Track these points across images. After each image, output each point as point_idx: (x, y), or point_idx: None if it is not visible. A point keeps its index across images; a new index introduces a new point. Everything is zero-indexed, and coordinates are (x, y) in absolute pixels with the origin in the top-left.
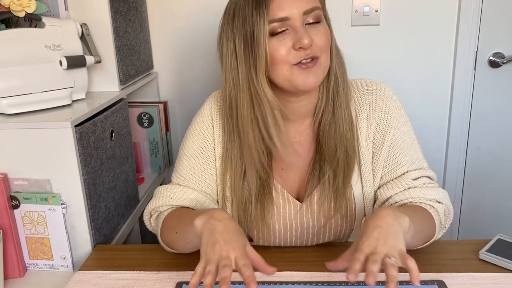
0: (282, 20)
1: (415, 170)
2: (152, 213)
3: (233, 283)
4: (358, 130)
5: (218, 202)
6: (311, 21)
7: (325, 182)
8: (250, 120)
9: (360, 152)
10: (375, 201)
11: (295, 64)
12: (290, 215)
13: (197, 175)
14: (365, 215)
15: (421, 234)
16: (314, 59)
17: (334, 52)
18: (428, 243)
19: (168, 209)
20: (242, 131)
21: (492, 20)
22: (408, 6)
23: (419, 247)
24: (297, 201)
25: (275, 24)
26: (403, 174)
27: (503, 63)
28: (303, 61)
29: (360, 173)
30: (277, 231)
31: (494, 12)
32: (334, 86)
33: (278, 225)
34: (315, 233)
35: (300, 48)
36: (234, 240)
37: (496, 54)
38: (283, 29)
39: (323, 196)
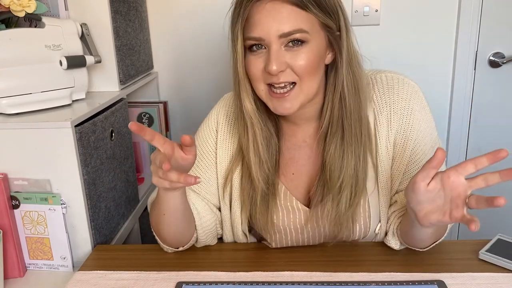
0: (256, 39)
1: None
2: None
3: (232, 283)
4: (378, 135)
5: (220, 205)
6: (290, 44)
7: (327, 204)
8: (240, 125)
9: (378, 160)
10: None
11: (269, 88)
12: (300, 221)
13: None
14: (379, 222)
15: (437, 232)
16: (292, 84)
17: (343, 63)
18: (436, 243)
19: None
20: (243, 142)
21: (492, 20)
22: (408, 6)
23: (428, 247)
24: (307, 208)
25: (250, 42)
26: None
27: (503, 63)
28: (276, 90)
29: (377, 181)
30: (289, 234)
31: (494, 12)
32: (342, 101)
33: (289, 229)
34: (327, 236)
35: (268, 72)
36: None
37: (496, 54)
38: (261, 46)
39: (327, 215)
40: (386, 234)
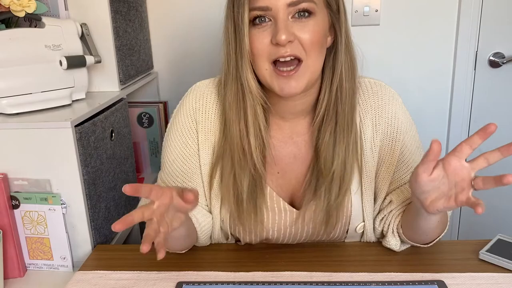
0: (263, 9)
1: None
2: None
3: (232, 283)
4: (363, 137)
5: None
6: (297, 15)
7: (321, 195)
8: (236, 112)
9: (363, 160)
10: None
11: (274, 66)
12: (286, 222)
13: (181, 183)
14: (363, 221)
15: (442, 220)
16: (297, 60)
17: (343, 46)
18: (439, 238)
19: None
20: (228, 122)
21: (492, 20)
22: (408, 6)
23: (432, 243)
24: (294, 209)
25: (256, 12)
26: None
27: (503, 63)
28: (283, 68)
29: (361, 181)
30: (271, 235)
31: (494, 12)
32: (339, 87)
33: (272, 231)
34: (308, 237)
35: (277, 43)
36: None
37: (496, 54)
38: (265, 19)
39: (318, 208)
40: (384, 235)
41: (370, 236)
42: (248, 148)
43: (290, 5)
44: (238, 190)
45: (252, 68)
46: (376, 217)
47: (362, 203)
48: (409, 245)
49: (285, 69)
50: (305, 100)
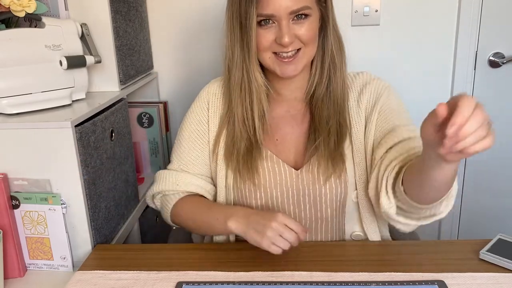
0: (269, 16)
1: (407, 125)
2: (155, 195)
3: (232, 283)
4: (350, 103)
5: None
6: (296, 18)
7: (320, 146)
8: (239, 95)
9: (351, 123)
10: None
11: (276, 55)
12: (287, 182)
13: (197, 159)
14: (356, 189)
15: (455, 175)
16: (297, 50)
17: (331, 28)
18: (444, 197)
19: (174, 193)
20: (234, 105)
21: (492, 20)
22: (408, 6)
23: (429, 205)
24: (293, 169)
25: (261, 17)
26: (397, 127)
27: (503, 63)
28: (283, 55)
29: (351, 140)
30: (274, 198)
31: (494, 12)
32: (331, 64)
33: (275, 192)
34: (311, 202)
35: (281, 44)
36: (270, 213)
37: (496, 54)
38: (269, 21)
39: (319, 159)
40: (378, 199)
41: (365, 205)
42: (252, 122)
43: (291, 13)
44: (238, 152)
45: (257, 58)
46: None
47: (355, 171)
48: (407, 214)
49: (286, 55)
50: (300, 77)
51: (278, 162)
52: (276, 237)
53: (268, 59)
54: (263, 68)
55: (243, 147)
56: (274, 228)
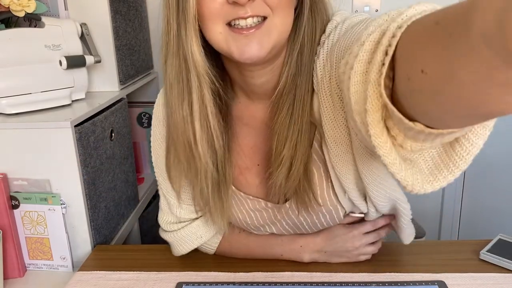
0: None
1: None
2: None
3: (233, 283)
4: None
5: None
6: None
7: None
8: (177, 93)
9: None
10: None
11: (229, 26)
12: (266, 220)
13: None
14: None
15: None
16: (260, 19)
17: (307, 6)
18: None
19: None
20: (170, 107)
21: None
22: (408, 6)
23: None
24: (268, 204)
25: None
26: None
27: None
28: (241, 24)
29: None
30: (262, 232)
31: None
32: (300, 54)
33: (263, 229)
34: (304, 229)
35: (234, 2)
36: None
37: None
38: None
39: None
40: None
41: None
42: (194, 138)
43: None
44: (201, 192)
45: (201, 36)
46: None
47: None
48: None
49: (243, 22)
50: (272, 74)
51: (247, 201)
52: (362, 253)
53: (219, 35)
54: (218, 59)
55: (210, 184)
56: (358, 247)
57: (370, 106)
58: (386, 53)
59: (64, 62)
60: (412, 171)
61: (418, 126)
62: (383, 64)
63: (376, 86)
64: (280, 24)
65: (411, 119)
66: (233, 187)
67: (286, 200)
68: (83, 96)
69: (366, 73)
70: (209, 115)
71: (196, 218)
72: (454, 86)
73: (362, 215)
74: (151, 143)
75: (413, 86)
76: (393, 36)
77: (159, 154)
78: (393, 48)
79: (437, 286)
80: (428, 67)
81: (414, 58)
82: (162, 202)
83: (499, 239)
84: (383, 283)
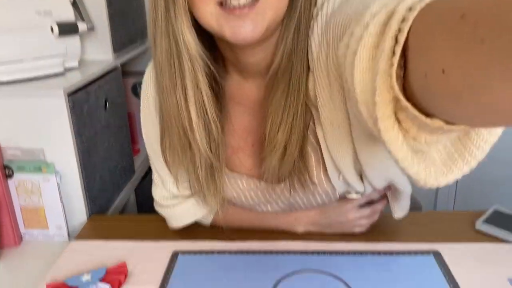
0: None
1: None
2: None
3: (228, 252)
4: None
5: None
6: None
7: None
8: (169, 78)
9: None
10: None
11: (221, 6)
12: (266, 197)
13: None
14: (339, 172)
15: None
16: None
17: None
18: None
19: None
20: (162, 94)
21: None
22: None
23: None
24: (267, 184)
25: None
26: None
27: None
28: (232, 4)
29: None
30: (256, 210)
31: None
32: (296, 32)
33: (258, 207)
34: (303, 206)
35: None
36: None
37: None
38: None
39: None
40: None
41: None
42: (190, 125)
43: None
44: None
45: (191, 17)
46: None
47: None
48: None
49: (236, 2)
50: (267, 52)
51: (242, 180)
52: (357, 225)
53: (210, 16)
54: (208, 35)
55: (204, 169)
56: (352, 220)
57: (379, 99)
58: (396, 40)
59: (56, 29)
60: (424, 164)
61: (437, 123)
62: (393, 52)
63: (386, 77)
64: (274, 3)
65: (427, 113)
66: (226, 169)
67: (281, 180)
68: (76, 64)
69: (373, 59)
70: (205, 101)
71: (191, 195)
72: (487, 96)
73: (360, 196)
74: (141, 118)
75: (432, 84)
76: (404, 20)
77: (149, 129)
78: (404, 34)
79: (432, 256)
80: (451, 68)
81: (433, 54)
82: (155, 177)
83: (495, 210)
84: (378, 252)
